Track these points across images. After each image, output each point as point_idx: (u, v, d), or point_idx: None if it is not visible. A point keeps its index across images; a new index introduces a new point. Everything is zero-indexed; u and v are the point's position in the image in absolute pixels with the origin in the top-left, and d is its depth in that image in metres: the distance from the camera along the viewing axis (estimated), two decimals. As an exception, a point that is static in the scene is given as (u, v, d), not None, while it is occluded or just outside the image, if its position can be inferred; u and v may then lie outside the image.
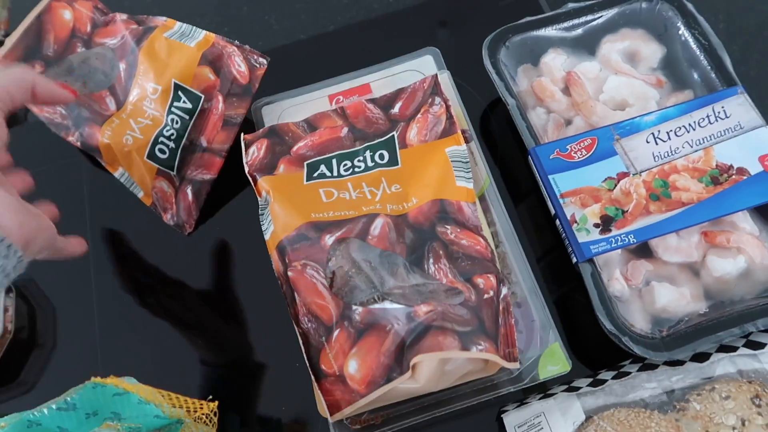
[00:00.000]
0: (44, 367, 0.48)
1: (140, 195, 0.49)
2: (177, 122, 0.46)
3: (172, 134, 0.46)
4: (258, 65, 0.48)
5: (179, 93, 0.46)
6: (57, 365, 0.47)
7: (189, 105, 0.46)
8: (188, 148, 0.47)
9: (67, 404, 0.30)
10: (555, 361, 0.38)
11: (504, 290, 0.38)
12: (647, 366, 0.39)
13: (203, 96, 0.47)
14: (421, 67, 0.50)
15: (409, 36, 0.56)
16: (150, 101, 0.46)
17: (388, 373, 0.35)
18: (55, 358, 0.48)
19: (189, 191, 0.48)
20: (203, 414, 0.34)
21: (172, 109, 0.46)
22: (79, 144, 0.48)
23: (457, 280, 0.37)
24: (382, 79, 0.50)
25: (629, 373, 0.39)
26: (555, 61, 0.48)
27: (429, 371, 0.34)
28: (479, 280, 0.37)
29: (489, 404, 0.40)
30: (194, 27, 0.48)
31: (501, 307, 0.37)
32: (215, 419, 0.34)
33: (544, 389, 0.41)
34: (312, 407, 0.39)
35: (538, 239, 0.47)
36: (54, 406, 0.30)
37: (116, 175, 0.49)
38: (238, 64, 0.47)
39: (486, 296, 0.37)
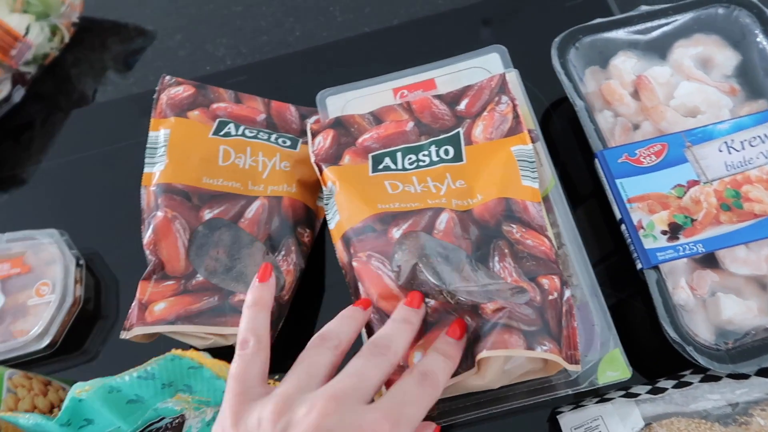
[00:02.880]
0: (106, 339, 0.49)
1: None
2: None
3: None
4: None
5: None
6: (118, 338, 0.49)
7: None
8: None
9: (147, 374, 0.31)
10: (615, 367, 0.38)
11: (567, 293, 0.38)
12: (709, 377, 0.38)
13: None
14: (487, 64, 0.50)
15: (472, 33, 0.56)
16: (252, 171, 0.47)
17: (452, 368, 0.35)
18: (117, 330, 0.49)
19: None
20: (269, 394, 0.34)
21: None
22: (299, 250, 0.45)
23: (522, 279, 0.37)
24: (447, 75, 0.50)
25: (690, 383, 0.38)
26: (625, 64, 0.47)
27: (494, 368, 0.35)
28: (544, 281, 0.37)
29: (542, 405, 0.40)
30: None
31: (564, 309, 0.37)
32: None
33: (598, 394, 0.41)
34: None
35: (597, 244, 0.47)
36: (135, 375, 0.31)
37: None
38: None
39: (550, 297, 0.37)
